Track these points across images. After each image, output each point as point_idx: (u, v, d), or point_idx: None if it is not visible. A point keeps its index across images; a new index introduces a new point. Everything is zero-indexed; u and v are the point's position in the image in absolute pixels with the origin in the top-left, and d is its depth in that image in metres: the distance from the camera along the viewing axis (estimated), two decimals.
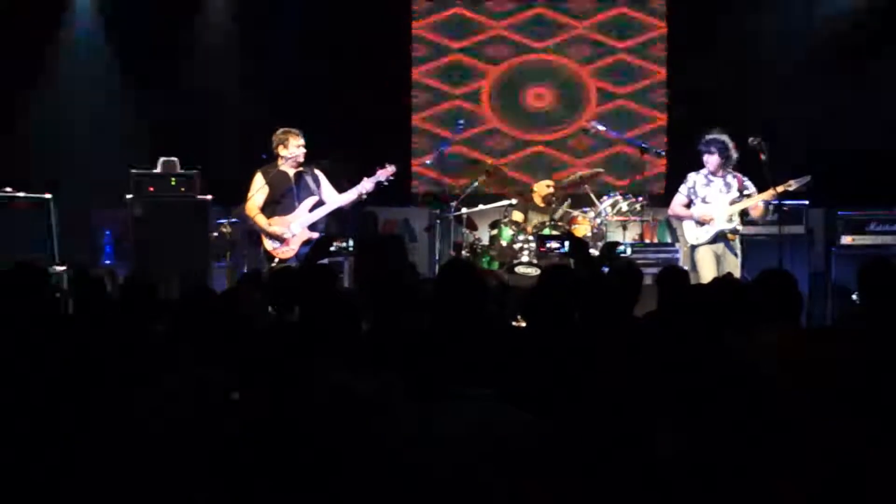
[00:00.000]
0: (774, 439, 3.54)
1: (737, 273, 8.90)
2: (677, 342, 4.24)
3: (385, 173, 9.08)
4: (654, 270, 9.27)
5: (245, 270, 9.84)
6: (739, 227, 9.25)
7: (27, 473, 3.47)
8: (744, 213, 9.25)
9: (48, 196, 10.03)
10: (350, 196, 9.11)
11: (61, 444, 3.51)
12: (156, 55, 11.93)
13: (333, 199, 9.14)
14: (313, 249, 6.93)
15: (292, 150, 9.01)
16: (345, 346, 4.02)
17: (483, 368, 3.46)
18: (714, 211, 9.18)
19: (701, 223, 9.21)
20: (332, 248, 8.70)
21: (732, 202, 9.18)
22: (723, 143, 9.18)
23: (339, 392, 3.59)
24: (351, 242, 9.42)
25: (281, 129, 9.11)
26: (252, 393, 3.69)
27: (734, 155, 9.20)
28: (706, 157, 9.24)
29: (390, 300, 4.93)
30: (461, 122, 11.42)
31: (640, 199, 10.38)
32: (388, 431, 3.31)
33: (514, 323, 6.01)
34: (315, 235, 8.92)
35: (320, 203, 9.09)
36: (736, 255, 9.20)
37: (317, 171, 9.22)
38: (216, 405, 3.63)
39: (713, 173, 9.25)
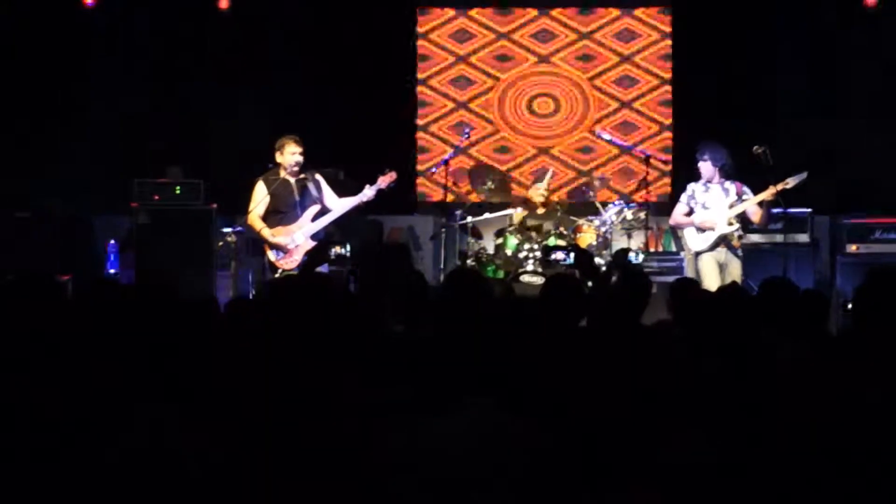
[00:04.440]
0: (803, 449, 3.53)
1: (739, 281, 8.91)
2: (699, 351, 4.22)
3: (386, 180, 9.06)
4: (660, 279, 9.31)
5: (250, 280, 9.84)
6: (741, 233, 9.29)
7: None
8: (746, 221, 9.28)
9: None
10: (351, 203, 9.08)
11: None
12: (159, 64, 11.95)
13: (336, 206, 9.10)
14: (311, 256, 6.90)
15: (287, 157, 8.93)
16: (355, 355, 4.00)
17: (488, 377, 3.44)
18: (714, 216, 9.23)
19: (702, 230, 9.27)
20: (331, 256, 8.66)
21: (731, 205, 9.23)
22: (714, 151, 9.27)
23: (355, 402, 3.58)
24: (348, 248, 9.34)
25: (280, 137, 9.07)
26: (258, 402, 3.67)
27: (728, 162, 9.26)
28: (700, 165, 9.36)
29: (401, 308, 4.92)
30: (467, 129, 11.32)
31: (645, 207, 10.38)
32: (392, 440, 3.29)
33: None
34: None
35: (323, 211, 9.06)
36: (740, 261, 9.23)
37: (318, 177, 9.18)
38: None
39: (709, 181, 9.33)
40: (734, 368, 3.94)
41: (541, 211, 10.76)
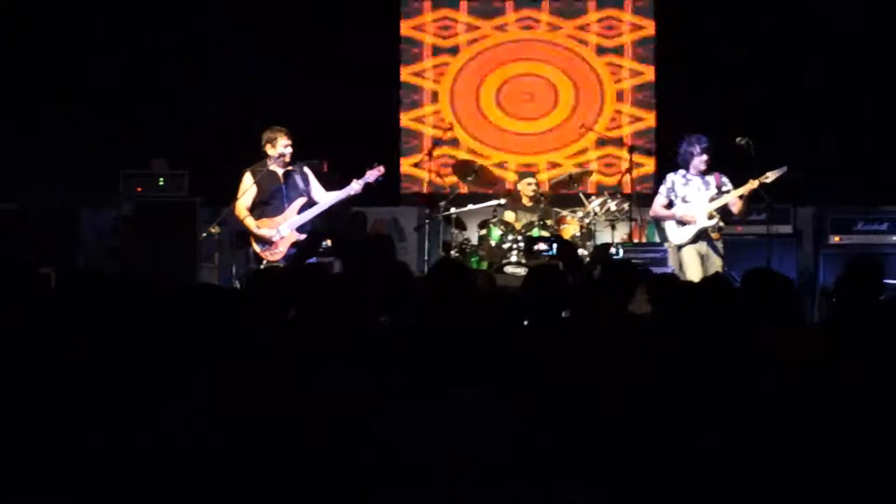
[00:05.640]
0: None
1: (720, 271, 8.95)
2: (685, 342, 4.23)
3: (374, 174, 9.06)
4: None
5: (234, 272, 9.82)
6: (721, 224, 9.32)
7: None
8: (727, 213, 9.30)
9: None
10: (338, 196, 9.09)
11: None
12: (145, 55, 11.92)
13: (322, 198, 9.10)
14: (301, 248, 6.90)
15: (279, 149, 8.96)
16: (341, 345, 4.00)
17: (473, 367, 3.45)
18: (694, 210, 9.25)
19: (682, 223, 9.28)
20: (320, 249, 8.64)
21: (711, 199, 9.25)
22: (691, 141, 9.28)
23: (335, 391, 3.58)
24: (328, 242, 9.35)
25: (269, 128, 9.08)
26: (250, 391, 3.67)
27: (704, 150, 9.27)
28: (697, 159, 9.28)
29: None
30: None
31: (628, 199, 10.39)
32: (380, 430, 3.30)
33: None
34: (303, 237, 8.92)
35: (310, 203, 9.06)
36: (720, 254, 9.27)
37: (305, 169, 9.19)
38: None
39: (689, 172, 9.32)
40: (717, 358, 3.96)
41: (528, 204, 10.78)
